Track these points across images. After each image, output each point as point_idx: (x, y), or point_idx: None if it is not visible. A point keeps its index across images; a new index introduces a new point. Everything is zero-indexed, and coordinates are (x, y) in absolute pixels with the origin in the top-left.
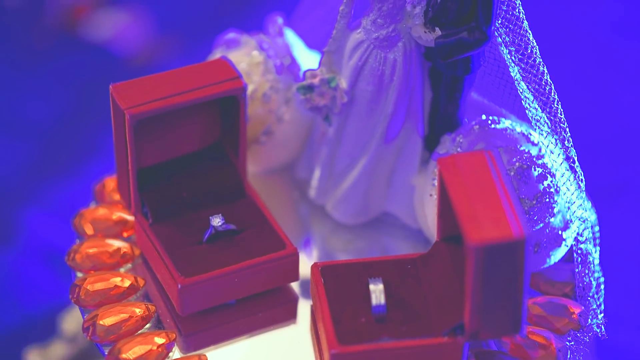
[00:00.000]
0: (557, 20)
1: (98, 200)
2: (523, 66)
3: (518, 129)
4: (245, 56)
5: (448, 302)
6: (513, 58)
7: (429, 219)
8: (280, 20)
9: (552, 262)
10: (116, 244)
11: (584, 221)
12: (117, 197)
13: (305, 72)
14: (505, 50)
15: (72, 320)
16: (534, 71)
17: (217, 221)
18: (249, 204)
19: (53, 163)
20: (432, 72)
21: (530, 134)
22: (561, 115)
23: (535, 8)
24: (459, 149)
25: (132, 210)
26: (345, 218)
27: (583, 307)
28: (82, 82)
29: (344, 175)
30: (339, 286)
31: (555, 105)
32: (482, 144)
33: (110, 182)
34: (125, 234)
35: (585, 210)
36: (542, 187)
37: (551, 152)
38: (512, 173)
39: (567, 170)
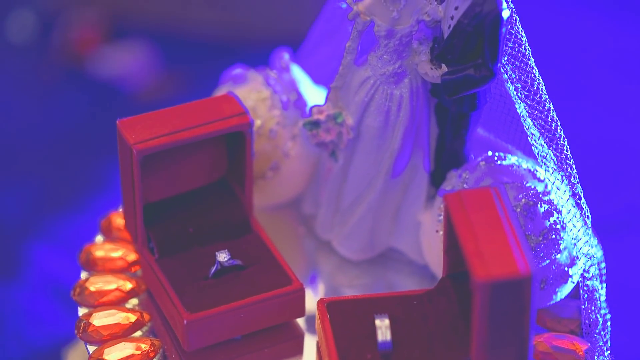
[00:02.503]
0: (563, 58)
1: (104, 235)
2: (529, 103)
3: (524, 166)
4: (251, 92)
5: (454, 339)
6: (519, 94)
7: (435, 255)
8: (286, 55)
9: (558, 299)
10: (122, 279)
11: (590, 258)
12: (123, 232)
13: (311, 107)
14: (512, 87)
15: (77, 356)
16: (540, 108)
17: (223, 257)
18: (255, 239)
19: (59, 197)
20: (439, 108)
21: (537, 171)
22: (567, 152)
23: (542, 44)
24: (465, 185)
25: (139, 245)
26: (351, 254)
27: (589, 344)
28: (88, 117)
29: (350, 211)
30: (345, 322)
31: (562, 141)
32: (488, 180)
33: (117, 217)
34: (131, 269)
35: (592, 247)
36: (549, 223)
37: (557, 188)
38: (519, 209)
39: (574, 206)
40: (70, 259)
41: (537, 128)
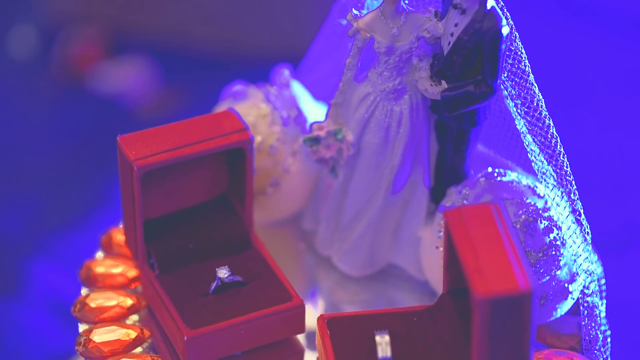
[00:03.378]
0: (563, 75)
1: (104, 251)
2: (529, 119)
3: (524, 182)
4: (252, 108)
5: (454, 355)
6: (519, 111)
7: (435, 271)
8: (287, 72)
9: (558, 315)
10: (122, 295)
11: (590, 274)
12: (123, 248)
13: (311, 124)
14: (511, 103)
15: None
16: (540, 124)
17: (223, 273)
18: (255, 255)
19: (59, 214)
20: (438, 125)
21: (537, 187)
22: (567, 168)
23: (542, 60)
24: (465, 202)
25: (139, 262)
26: (352, 270)
27: None
28: (88, 133)
29: (350, 227)
30: (345, 338)
31: (562, 158)
32: (488, 197)
33: (117, 233)
34: (131, 285)
35: (592, 263)
36: (549, 239)
37: (557, 205)
38: (519, 226)
39: (573, 223)
40: (71, 275)
41: (537, 144)
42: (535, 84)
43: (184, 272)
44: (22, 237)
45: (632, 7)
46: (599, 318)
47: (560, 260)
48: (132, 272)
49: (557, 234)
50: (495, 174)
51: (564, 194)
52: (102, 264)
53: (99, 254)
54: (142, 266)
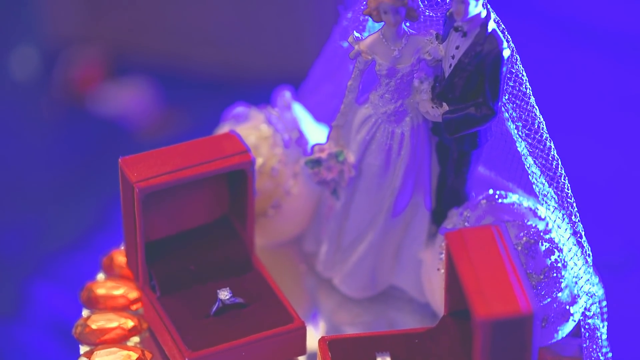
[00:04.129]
0: (564, 97)
1: (106, 272)
2: (530, 141)
3: (525, 204)
4: (253, 130)
5: None
6: (520, 133)
7: (437, 293)
8: (288, 94)
9: (559, 337)
10: (124, 317)
11: (591, 296)
12: (125, 269)
13: (313, 146)
14: (512, 126)
15: None
16: (541, 146)
17: (224, 294)
18: (256, 277)
19: (61, 235)
20: (440, 147)
21: (538, 209)
22: (568, 190)
23: (542, 82)
24: (466, 224)
25: (140, 283)
26: (353, 292)
27: None
28: (89, 154)
29: (352, 248)
30: None
31: (562, 180)
32: (489, 219)
33: (118, 255)
34: (132, 307)
35: (593, 285)
36: (550, 261)
37: (558, 227)
38: (520, 248)
39: (575, 245)
40: (72, 296)
41: (538, 166)
42: (536, 106)
43: (185, 294)
44: (23, 258)
45: (633, 29)
46: (600, 340)
47: (562, 282)
48: (134, 294)
49: (559, 256)
50: (497, 196)
51: (565, 216)
52: (103, 286)
53: (100, 276)
54: (144, 288)
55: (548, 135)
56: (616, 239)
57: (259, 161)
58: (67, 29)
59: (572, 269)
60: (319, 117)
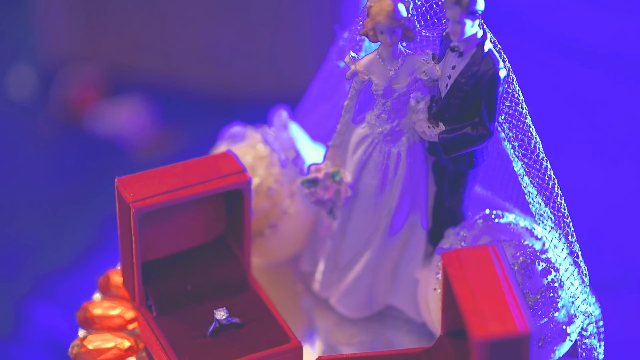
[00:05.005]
0: (559, 116)
1: (102, 292)
2: (526, 161)
3: (522, 224)
4: (250, 150)
5: None
6: (516, 153)
7: (433, 312)
8: (285, 113)
9: (556, 357)
10: (120, 337)
11: (588, 316)
12: (121, 289)
13: (309, 165)
14: (509, 145)
15: None
16: (537, 166)
17: (221, 314)
18: (253, 297)
19: (58, 255)
20: (436, 167)
21: (534, 229)
22: (564, 210)
23: (539, 102)
24: (463, 243)
25: (137, 303)
26: (349, 311)
27: None
28: (86, 174)
29: (348, 268)
30: None
31: (559, 200)
32: (486, 238)
33: (115, 275)
34: (129, 327)
35: (590, 305)
36: (546, 281)
37: (555, 246)
38: (516, 267)
39: (571, 264)
40: (68, 316)
41: (535, 186)
42: (533, 126)
43: (181, 314)
44: (20, 278)
45: (629, 49)
46: None
47: (558, 302)
48: (130, 314)
49: (555, 276)
50: (493, 216)
51: (561, 235)
52: (99, 306)
53: (97, 296)
54: (140, 308)
55: (544, 155)
56: (612, 258)
57: (256, 181)
58: (64, 48)
59: (568, 288)
60: (316, 136)
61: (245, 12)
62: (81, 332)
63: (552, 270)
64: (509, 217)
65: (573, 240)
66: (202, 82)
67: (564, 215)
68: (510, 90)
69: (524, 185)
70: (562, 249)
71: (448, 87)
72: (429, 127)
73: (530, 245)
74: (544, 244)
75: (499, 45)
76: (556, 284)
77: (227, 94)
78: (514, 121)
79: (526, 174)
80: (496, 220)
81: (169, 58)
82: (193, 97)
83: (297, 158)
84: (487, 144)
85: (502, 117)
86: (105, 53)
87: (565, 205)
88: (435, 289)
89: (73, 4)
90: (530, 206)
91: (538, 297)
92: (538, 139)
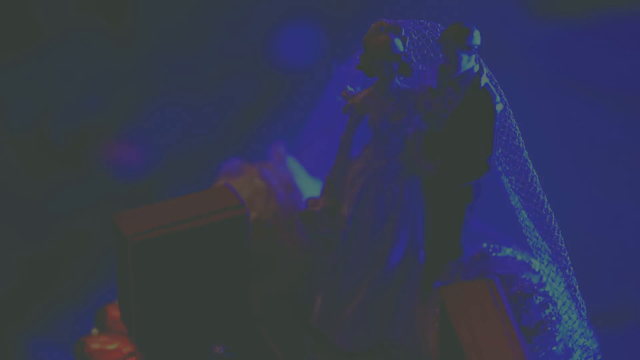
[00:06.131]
0: (556, 150)
1: (99, 327)
2: (523, 195)
3: (519, 257)
4: (247, 184)
5: None
6: (513, 187)
7: (432, 347)
8: (282, 147)
9: None
10: None
11: (586, 350)
12: (119, 324)
13: (307, 200)
14: (506, 179)
15: None
16: (535, 200)
17: (218, 350)
18: (250, 331)
19: (54, 289)
20: (433, 201)
21: (532, 262)
22: (562, 244)
23: (535, 136)
24: (460, 277)
25: (134, 338)
26: (348, 346)
27: None
28: (83, 207)
29: (346, 303)
30: None
31: (556, 234)
32: (483, 272)
33: (112, 309)
34: None
35: (588, 339)
36: (544, 315)
37: (552, 280)
38: (514, 301)
39: (569, 298)
40: (65, 351)
41: (532, 220)
42: (530, 160)
43: (178, 349)
44: (16, 311)
45: (627, 84)
46: None
47: (556, 336)
48: (128, 349)
49: (553, 310)
50: (491, 250)
51: (559, 269)
52: (97, 340)
53: (94, 330)
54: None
55: (541, 189)
56: (610, 292)
57: (253, 215)
58: None
59: (566, 322)
60: (314, 171)
61: None
62: None
63: (549, 304)
64: (507, 251)
65: (570, 274)
66: None
67: (561, 249)
68: (507, 125)
69: (521, 219)
70: (560, 283)
71: (445, 122)
72: (425, 162)
73: (527, 279)
74: (541, 278)
75: (495, 80)
76: (554, 318)
77: (225, 129)
78: (510, 155)
79: (523, 208)
80: (494, 254)
81: None
82: (190, 132)
83: (295, 192)
84: (484, 178)
85: (499, 151)
86: None
87: (562, 238)
88: (433, 324)
89: None
90: (528, 240)
91: (536, 331)
92: (535, 173)
